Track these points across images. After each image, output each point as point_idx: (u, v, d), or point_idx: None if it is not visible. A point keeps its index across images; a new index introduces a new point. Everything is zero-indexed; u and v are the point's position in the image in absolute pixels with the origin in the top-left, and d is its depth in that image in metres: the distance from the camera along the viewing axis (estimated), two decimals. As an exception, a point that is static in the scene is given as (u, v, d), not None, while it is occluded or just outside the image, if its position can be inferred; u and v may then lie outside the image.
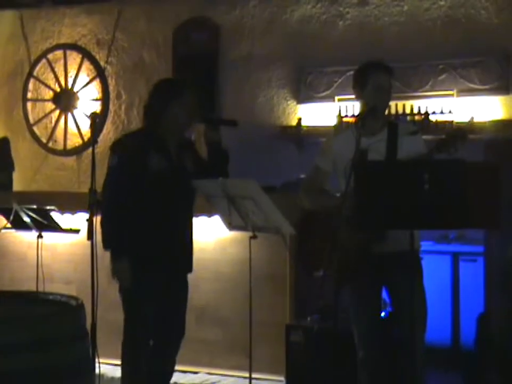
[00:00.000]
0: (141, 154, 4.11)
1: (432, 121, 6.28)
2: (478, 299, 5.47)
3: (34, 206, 5.57)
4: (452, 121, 6.25)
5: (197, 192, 4.30)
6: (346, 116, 6.55)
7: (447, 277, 5.82)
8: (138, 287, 4.15)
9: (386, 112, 4.38)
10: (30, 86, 7.95)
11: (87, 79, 7.68)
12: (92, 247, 3.75)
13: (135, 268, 4.13)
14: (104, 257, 4.11)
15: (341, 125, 6.49)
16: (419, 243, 4.01)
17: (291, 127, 6.85)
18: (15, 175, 7.37)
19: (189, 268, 4.37)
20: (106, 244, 4.08)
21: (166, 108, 4.14)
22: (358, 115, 4.18)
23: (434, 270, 5.46)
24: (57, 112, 7.82)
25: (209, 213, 5.17)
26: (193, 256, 4.37)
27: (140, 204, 4.14)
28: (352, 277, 3.93)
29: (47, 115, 7.88)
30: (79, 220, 5.79)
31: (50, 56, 7.83)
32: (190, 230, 4.35)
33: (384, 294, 4.16)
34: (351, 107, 6.49)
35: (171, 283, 4.25)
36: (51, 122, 7.87)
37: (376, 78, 3.96)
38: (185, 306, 4.38)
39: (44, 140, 7.88)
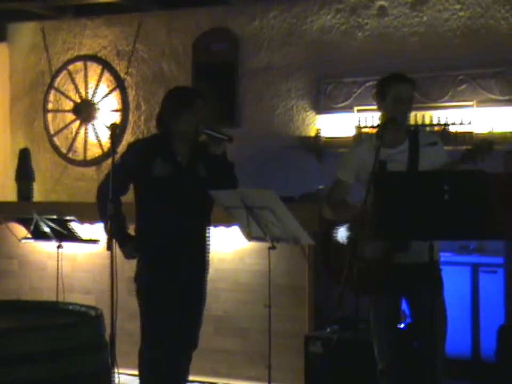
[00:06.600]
0: (146, 159, 4.19)
1: (451, 132, 6.25)
2: (498, 310, 5.43)
3: (54, 216, 5.59)
4: (472, 132, 6.21)
5: (214, 202, 4.31)
6: (365, 127, 6.54)
7: (467, 288, 5.78)
8: (154, 290, 4.16)
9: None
10: (51, 97, 7.99)
11: (107, 90, 7.72)
12: (111, 257, 3.77)
13: (150, 270, 4.18)
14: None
15: (360, 136, 6.48)
16: (439, 254, 3.99)
17: (310, 137, 6.84)
18: (35, 186, 7.42)
19: (203, 269, 4.29)
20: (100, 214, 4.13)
21: (177, 116, 4.21)
22: (378, 125, 4.17)
23: (454, 281, 5.42)
24: (78, 123, 7.86)
25: (228, 224, 5.18)
26: (208, 258, 4.31)
27: (144, 207, 4.23)
28: (372, 288, 3.91)
29: (67, 126, 7.92)
30: (98, 230, 5.81)
31: (71, 67, 7.88)
32: (204, 231, 4.31)
33: (403, 305, 4.14)
34: (370, 118, 6.47)
35: (187, 288, 4.23)
36: (71, 133, 7.91)
37: (397, 88, 3.96)
38: (201, 319, 4.34)
39: (64, 151, 7.92)
